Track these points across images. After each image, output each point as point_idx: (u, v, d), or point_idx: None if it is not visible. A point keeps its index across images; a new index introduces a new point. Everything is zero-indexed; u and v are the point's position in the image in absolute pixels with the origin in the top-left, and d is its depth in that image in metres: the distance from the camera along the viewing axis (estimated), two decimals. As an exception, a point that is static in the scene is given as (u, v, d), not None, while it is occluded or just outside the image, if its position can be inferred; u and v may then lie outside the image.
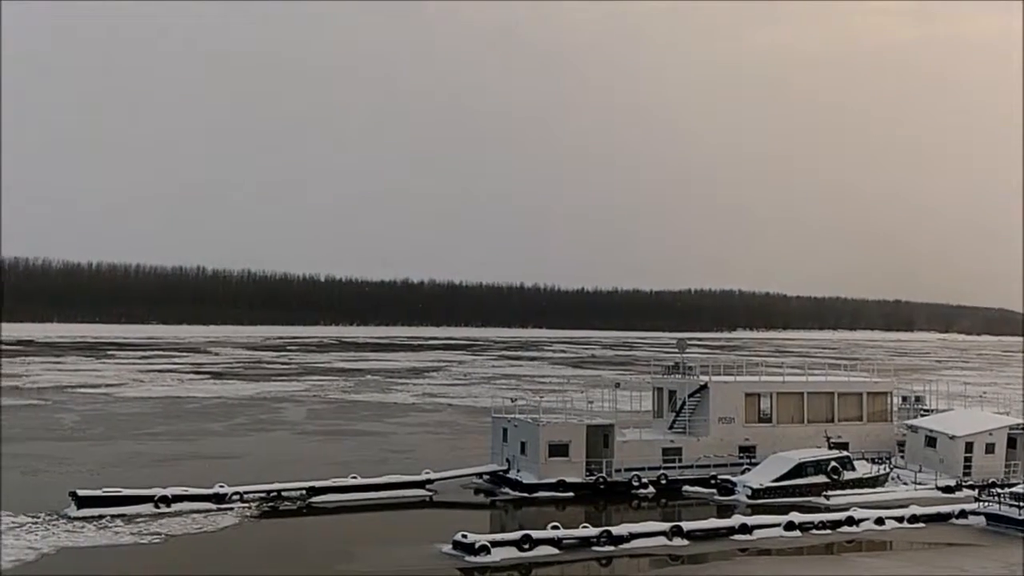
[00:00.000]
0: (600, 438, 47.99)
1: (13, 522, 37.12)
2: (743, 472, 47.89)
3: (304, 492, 44.09)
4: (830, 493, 45.07)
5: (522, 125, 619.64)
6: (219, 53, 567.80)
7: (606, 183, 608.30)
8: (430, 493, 46.34)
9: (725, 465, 48.99)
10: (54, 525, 37.25)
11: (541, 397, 52.96)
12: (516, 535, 35.19)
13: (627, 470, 47.43)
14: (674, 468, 48.46)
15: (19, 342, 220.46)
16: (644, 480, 47.42)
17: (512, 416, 49.83)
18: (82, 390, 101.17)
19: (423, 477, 47.02)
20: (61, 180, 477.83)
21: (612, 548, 35.53)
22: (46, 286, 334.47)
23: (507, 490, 47.09)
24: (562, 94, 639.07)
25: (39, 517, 38.15)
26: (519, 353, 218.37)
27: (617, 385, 55.44)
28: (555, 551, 34.91)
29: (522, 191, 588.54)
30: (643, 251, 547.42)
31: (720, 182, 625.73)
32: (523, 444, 47.75)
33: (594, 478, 46.73)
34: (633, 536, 36.28)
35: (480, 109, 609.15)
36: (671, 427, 51.08)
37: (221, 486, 42.43)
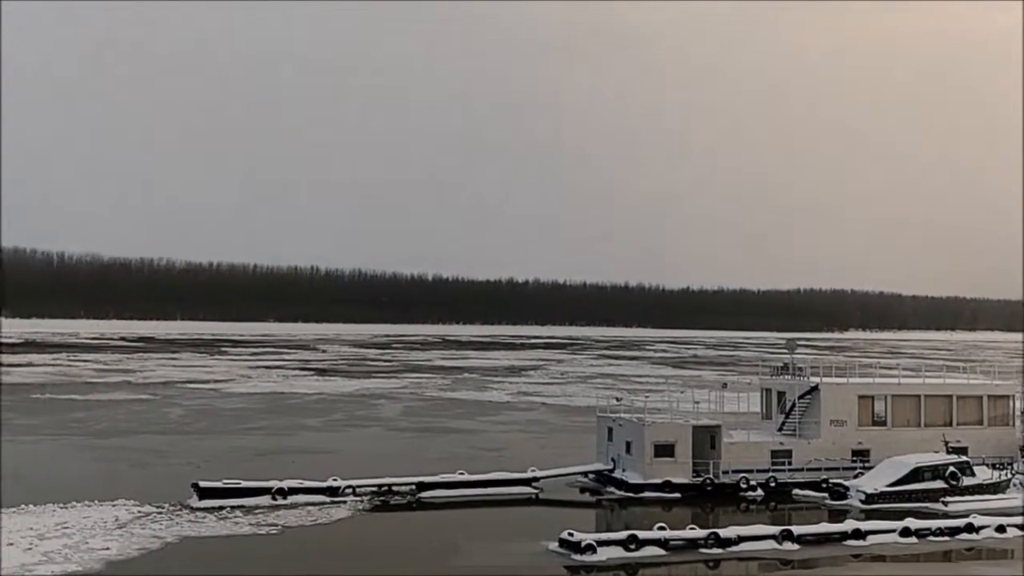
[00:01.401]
0: (707, 439, 47.56)
1: (139, 511, 38.91)
2: (856, 476, 46.79)
3: (414, 487, 44.99)
4: (948, 499, 43.65)
5: (621, 120, 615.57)
6: (286, 53, 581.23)
7: (712, 181, 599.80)
8: (536, 491, 46.64)
9: (837, 469, 47.89)
10: (178, 515, 38.87)
11: (647, 397, 52.75)
12: (622, 535, 35.18)
13: (735, 472, 46.86)
14: (784, 471, 47.64)
15: (140, 339, 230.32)
16: (752, 482, 46.77)
17: (617, 415, 49.83)
18: (191, 385, 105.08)
19: (529, 475, 47.37)
20: (181, 183, 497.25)
21: (720, 551, 35.16)
22: (170, 285, 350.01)
23: (612, 489, 47.08)
24: (656, 90, 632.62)
25: (163, 507, 39.87)
26: (619, 352, 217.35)
27: (724, 386, 54.85)
28: (662, 552, 34.74)
29: (624, 190, 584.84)
30: (749, 250, 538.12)
31: (828, 180, 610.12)
32: (628, 444, 47.66)
33: (701, 479, 46.34)
34: (741, 539, 35.81)
35: (584, 108, 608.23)
36: (780, 429, 50.24)
37: (335, 479, 43.64)
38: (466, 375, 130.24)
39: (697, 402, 51.88)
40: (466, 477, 46.42)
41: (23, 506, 38.60)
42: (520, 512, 43.97)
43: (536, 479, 47.21)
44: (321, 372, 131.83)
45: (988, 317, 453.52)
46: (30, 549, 32.46)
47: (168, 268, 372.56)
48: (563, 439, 65.80)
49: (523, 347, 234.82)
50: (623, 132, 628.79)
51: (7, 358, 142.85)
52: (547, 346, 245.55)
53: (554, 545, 34.93)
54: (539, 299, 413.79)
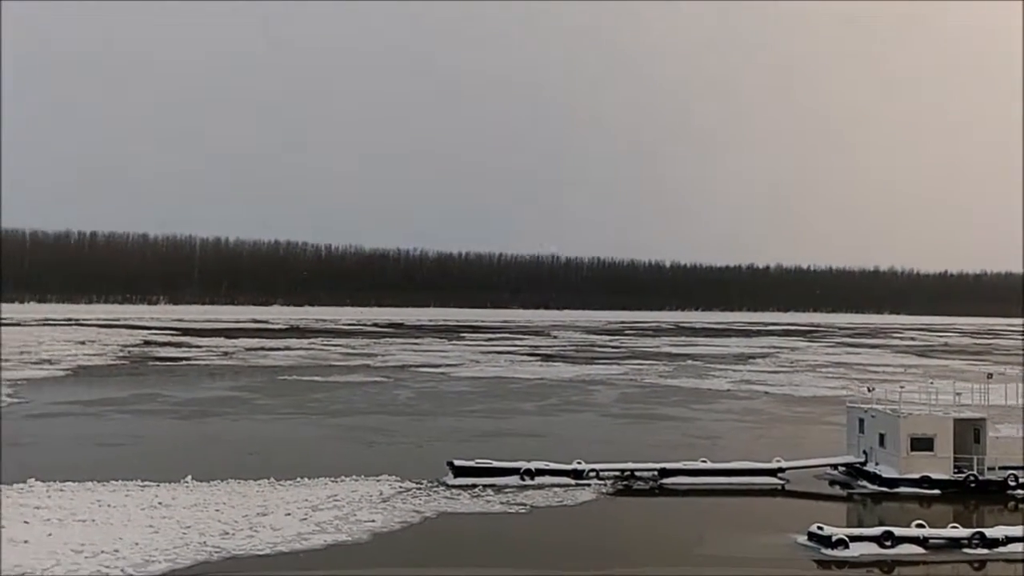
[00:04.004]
0: (970, 433, 44.82)
1: (400, 487, 41.62)
2: None
3: (656, 473, 45.29)
4: None
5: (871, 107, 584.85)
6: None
7: (968, 161, 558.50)
8: (782, 482, 45.71)
9: (1121, 468, 43.83)
10: (435, 492, 41.23)
11: (902, 387, 50.35)
12: (877, 531, 33.95)
13: (1001, 468, 43.90)
14: (1058, 469, 44.15)
15: (391, 325, 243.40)
16: (1022, 480, 43.65)
17: (869, 406, 47.89)
18: (423, 369, 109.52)
19: (774, 465, 46.48)
20: (432, 180, 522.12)
21: (985, 551, 33.23)
22: (424, 274, 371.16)
23: (864, 483, 45.40)
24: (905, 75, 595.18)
25: (422, 484, 42.41)
26: (860, 340, 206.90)
27: (989, 376, 51.32)
28: (920, 550, 33.25)
29: (870, 173, 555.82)
30: (1013, 231, 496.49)
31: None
32: (881, 436, 45.72)
33: (963, 475, 43.73)
34: (1010, 540, 33.67)
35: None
36: (1054, 424, 46.52)
37: (579, 463, 44.72)
38: (690, 362, 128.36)
39: (959, 393, 48.88)
40: (709, 465, 46.20)
41: (299, 479, 42.14)
42: (765, 503, 43.15)
43: (782, 470, 46.28)
44: (547, 358, 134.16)
45: None
46: (305, 519, 35.39)
47: (422, 258, 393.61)
48: (781, 430, 64.02)
49: (757, 334, 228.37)
50: (871, 116, 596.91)
51: (268, 343, 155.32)
52: (784, 333, 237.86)
53: (803, 538, 34.23)
54: (781, 285, 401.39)
